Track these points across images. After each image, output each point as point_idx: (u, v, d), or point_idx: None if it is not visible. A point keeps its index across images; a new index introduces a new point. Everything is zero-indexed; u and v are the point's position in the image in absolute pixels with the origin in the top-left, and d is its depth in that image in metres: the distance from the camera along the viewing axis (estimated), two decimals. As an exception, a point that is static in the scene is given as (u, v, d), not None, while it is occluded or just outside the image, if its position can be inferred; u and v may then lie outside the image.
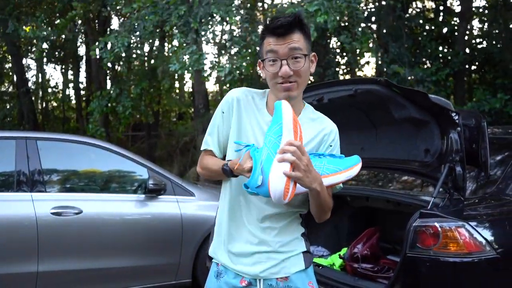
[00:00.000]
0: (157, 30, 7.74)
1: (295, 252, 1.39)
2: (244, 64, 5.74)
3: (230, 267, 1.40)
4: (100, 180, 3.58)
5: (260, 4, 9.68)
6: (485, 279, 1.94)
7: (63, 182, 3.39)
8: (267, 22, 1.37)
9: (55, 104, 16.28)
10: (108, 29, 11.24)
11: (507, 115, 7.44)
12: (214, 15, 5.99)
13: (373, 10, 8.73)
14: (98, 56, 6.76)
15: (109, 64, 8.50)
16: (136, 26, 6.55)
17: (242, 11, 6.39)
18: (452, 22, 9.35)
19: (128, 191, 3.54)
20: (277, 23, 1.30)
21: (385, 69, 7.35)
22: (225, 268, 1.41)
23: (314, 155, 1.32)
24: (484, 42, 9.43)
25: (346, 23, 6.93)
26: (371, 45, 6.47)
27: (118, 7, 8.06)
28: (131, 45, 7.14)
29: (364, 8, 7.42)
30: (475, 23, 10.47)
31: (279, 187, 1.15)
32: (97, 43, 6.58)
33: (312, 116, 1.43)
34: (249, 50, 5.97)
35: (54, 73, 25.57)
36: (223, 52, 6.10)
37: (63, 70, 15.10)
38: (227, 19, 5.89)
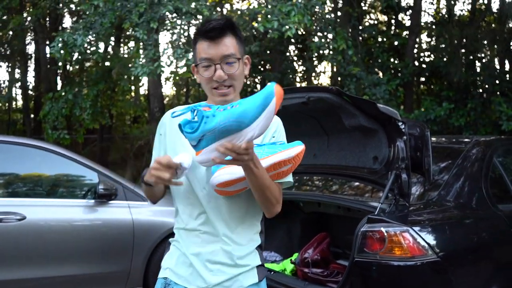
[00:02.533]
0: (113, 31, 7.53)
1: (249, 267, 1.37)
2: None
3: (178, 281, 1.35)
4: (47, 184, 3.42)
5: (219, 9, 9.68)
6: (426, 281, 2.03)
7: (4, 187, 3.21)
8: (199, 26, 1.37)
9: (-1, 104, 15.40)
10: (60, 27, 10.82)
11: (451, 125, 7.88)
12: (176, 11, 5.92)
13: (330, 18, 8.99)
14: (59, 55, 6.44)
15: (60, 63, 8.16)
16: (93, 23, 6.33)
17: (200, 16, 6.37)
18: (403, 35, 9.81)
19: (77, 196, 3.40)
20: (209, 26, 1.31)
21: (342, 71, 7.59)
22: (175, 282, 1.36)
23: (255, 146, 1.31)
24: (432, 56, 9.96)
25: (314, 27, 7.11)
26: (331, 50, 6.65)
27: (71, 5, 7.78)
28: (87, 44, 6.90)
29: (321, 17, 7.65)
30: (424, 37, 11.05)
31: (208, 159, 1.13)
32: (56, 41, 6.26)
33: None
34: None
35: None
36: (180, 55, 6.01)
37: (9, 69, 14.33)
38: (197, 11, 5.85)
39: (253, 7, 7.66)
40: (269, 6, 6.09)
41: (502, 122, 7.19)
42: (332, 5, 8.63)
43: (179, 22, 6.22)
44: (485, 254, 2.29)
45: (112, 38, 9.45)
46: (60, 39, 6.23)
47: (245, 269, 1.36)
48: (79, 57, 7.67)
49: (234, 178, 1.24)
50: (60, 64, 8.67)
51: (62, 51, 6.33)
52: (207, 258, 1.33)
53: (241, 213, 1.35)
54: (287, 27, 5.65)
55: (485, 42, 9.01)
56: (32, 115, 13.51)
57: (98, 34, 6.45)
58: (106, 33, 6.59)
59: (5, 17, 8.73)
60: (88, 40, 6.53)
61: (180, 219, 1.40)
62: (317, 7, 6.33)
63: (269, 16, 5.86)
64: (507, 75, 8.73)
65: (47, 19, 11.05)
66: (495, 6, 9.72)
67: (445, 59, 9.01)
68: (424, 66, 9.61)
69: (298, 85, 10.94)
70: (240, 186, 1.27)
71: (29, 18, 9.42)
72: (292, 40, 8.49)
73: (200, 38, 1.33)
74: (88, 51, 7.26)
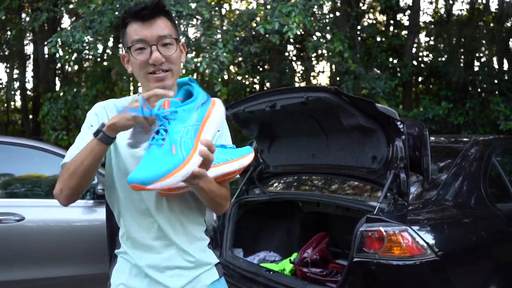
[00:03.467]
0: (112, 31, 7.52)
1: (209, 266, 1.31)
2: (224, 54, 5.63)
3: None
4: (45, 185, 3.41)
5: (217, 9, 9.67)
6: (425, 281, 2.03)
7: (3, 188, 3.20)
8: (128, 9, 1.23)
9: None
10: (59, 28, 10.81)
11: (450, 124, 7.89)
12: (177, 13, 5.90)
13: (327, 20, 9.00)
14: (58, 55, 6.42)
15: (59, 64, 8.16)
16: (92, 22, 6.31)
17: (199, 17, 6.36)
18: (401, 35, 9.81)
19: (75, 196, 3.40)
20: (140, 6, 1.19)
21: (340, 69, 7.60)
22: None
23: None
24: (430, 55, 9.98)
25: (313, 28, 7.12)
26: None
27: (71, 6, 7.77)
28: (85, 44, 6.89)
29: (320, 17, 7.65)
30: (422, 37, 11.07)
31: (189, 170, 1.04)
32: (53, 37, 6.24)
33: None
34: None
35: (-2, 72, 24.24)
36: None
37: (7, 69, 14.30)
38: (197, 12, 5.83)
39: (252, 8, 7.66)
40: (269, 7, 6.08)
41: (500, 122, 7.21)
42: (330, 3, 8.64)
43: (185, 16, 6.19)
44: (484, 253, 2.29)
45: (111, 39, 9.45)
46: (57, 35, 6.22)
47: (206, 269, 1.30)
48: (77, 56, 7.66)
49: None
50: (59, 65, 8.67)
51: (60, 50, 6.32)
52: (165, 265, 1.23)
53: (190, 213, 1.28)
54: (288, 26, 5.64)
55: (484, 41, 9.03)
56: (30, 116, 13.50)
57: (97, 32, 6.43)
58: (105, 32, 6.58)
59: (3, 17, 8.72)
60: (87, 40, 6.52)
61: (123, 226, 1.28)
62: (315, 7, 6.32)
63: (268, 17, 5.84)
64: (506, 75, 8.75)
65: (46, 19, 11.02)
66: (493, 5, 9.74)
67: (443, 58, 9.03)
68: (422, 65, 9.63)
69: (297, 85, 10.94)
70: (186, 189, 1.19)
71: (27, 19, 9.40)
72: (291, 40, 8.48)
73: (131, 19, 1.20)
74: (86, 51, 7.25)
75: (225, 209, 1.29)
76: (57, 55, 6.47)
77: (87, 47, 6.81)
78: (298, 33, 7.16)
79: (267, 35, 6.82)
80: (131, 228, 1.25)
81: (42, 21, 7.25)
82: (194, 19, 6.20)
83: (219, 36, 6.16)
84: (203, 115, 1.07)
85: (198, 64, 5.77)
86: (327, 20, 7.14)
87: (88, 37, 6.45)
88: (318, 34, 7.19)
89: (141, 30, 1.19)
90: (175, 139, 1.01)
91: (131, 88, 13.24)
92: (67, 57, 6.66)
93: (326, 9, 8.41)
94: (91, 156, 1.11)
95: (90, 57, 7.82)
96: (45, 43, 6.70)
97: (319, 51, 7.48)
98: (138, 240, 1.24)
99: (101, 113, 1.27)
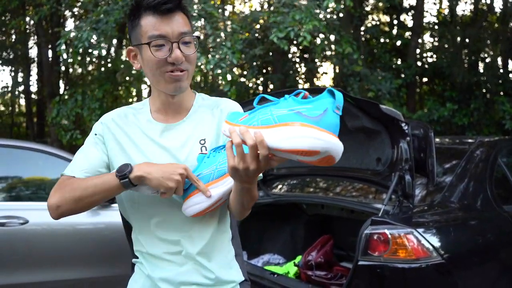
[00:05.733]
0: (116, 33, 7.55)
1: (232, 284, 1.19)
2: (232, 53, 5.62)
3: None
4: (49, 188, 3.41)
5: (220, 10, 9.69)
6: (431, 284, 2.01)
7: (7, 191, 3.21)
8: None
9: (2, 108, 15.51)
10: (62, 29, 10.88)
11: (455, 125, 7.86)
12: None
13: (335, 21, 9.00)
14: (62, 58, 6.48)
15: (63, 67, 8.21)
16: (98, 23, 6.34)
17: (202, 20, 6.36)
18: (405, 36, 9.79)
19: (79, 199, 3.40)
20: None
21: (345, 71, 7.59)
22: None
23: (217, 149, 1.11)
24: (434, 56, 9.94)
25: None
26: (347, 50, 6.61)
27: (75, 9, 7.84)
28: (91, 43, 6.92)
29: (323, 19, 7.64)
30: (426, 37, 11.03)
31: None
32: (62, 38, 6.28)
33: (207, 102, 1.23)
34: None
35: (2, 75, 24.42)
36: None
37: (12, 73, 14.40)
38: (205, 13, 5.84)
39: (255, 10, 7.65)
40: (272, 8, 6.06)
41: (506, 122, 7.17)
42: (334, 5, 8.62)
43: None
44: (491, 256, 2.27)
45: (115, 41, 9.49)
46: (63, 34, 6.26)
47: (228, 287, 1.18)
48: (83, 57, 7.70)
49: (204, 207, 1.08)
50: (63, 68, 8.73)
51: (65, 53, 6.37)
52: (180, 280, 1.13)
53: (213, 224, 1.17)
54: (304, 35, 5.61)
55: (488, 42, 8.99)
56: (35, 119, 13.57)
57: (103, 32, 6.45)
58: (110, 33, 6.59)
59: (7, 19, 8.80)
60: (93, 40, 6.54)
61: (138, 241, 1.19)
62: (324, 11, 6.32)
63: (279, 24, 5.80)
64: (510, 75, 8.70)
65: (50, 22, 11.10)
66: (497, 5, 9.70)
67: (448, 59, 9.00)
68: (426, 66, 9.60)
69: (300, 86, 10.93)
70: (214, 206, 1.10)
71: (31, 22, 9.48)
72: (295, 42, 8.48)
73: (148, 12, 1.09)
74: (92, 51, 7.29)
75: (248, 212, 1.15)
76: (61, 58, 6.51)
77: (92, 50, 6.85)
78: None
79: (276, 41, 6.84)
80: (143, 243, 1.18)
81: (43, 14, 7.27)
82: (199, 21, 6.20)
83: (223, 37, 6.16)
84: (286, 120, 0.84)
85: (203, 64, 5.77)
86: (334, 17, 7.12)
87: (94, 37, 6.48)
88: (322, 36, 7.17)
89: (160, 25, 1.08)
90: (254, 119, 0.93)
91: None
92: (78, 59, 6.67)
93: (331, 7, 8.40)
94: (105, 194, 1.07)
95: (95, 59, 7.85)
96: (49, 46, 6.75)
97: (325, 53, 7.47)
98: (154, 252, 1.16)
99: (108, 123, 1.21)
